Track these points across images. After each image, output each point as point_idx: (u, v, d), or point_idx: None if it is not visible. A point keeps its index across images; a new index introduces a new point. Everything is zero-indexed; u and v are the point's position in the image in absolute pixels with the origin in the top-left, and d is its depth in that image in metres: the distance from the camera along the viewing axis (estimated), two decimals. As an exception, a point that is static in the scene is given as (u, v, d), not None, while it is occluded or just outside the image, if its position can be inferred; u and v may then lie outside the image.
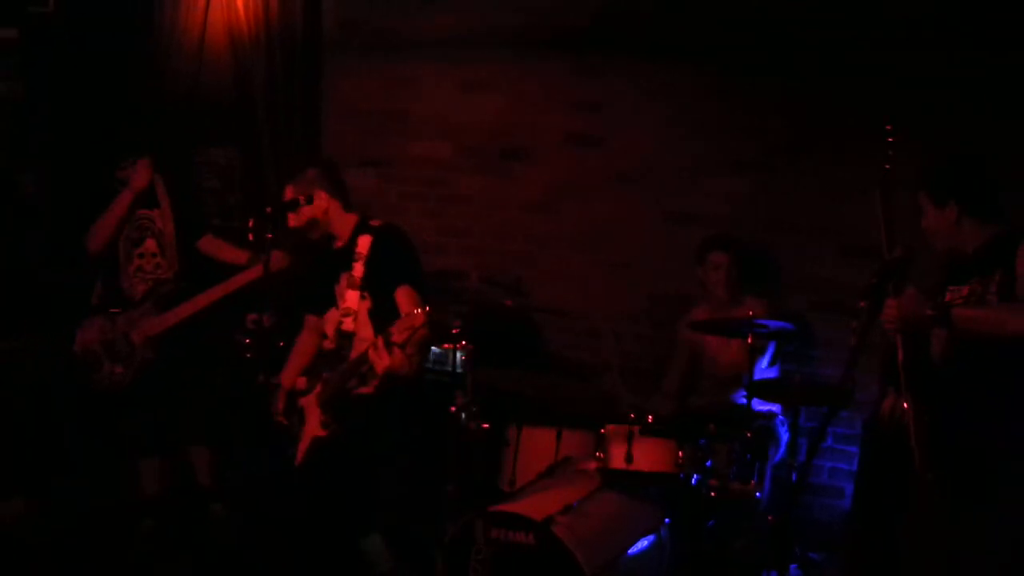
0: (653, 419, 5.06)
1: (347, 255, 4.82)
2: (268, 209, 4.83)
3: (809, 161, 6.11)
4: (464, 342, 5.37)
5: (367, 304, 4.80)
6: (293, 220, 4.83)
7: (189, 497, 5.84)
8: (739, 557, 5.10)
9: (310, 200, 4.80)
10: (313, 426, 4.86)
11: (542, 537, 4.45)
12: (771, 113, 6.22)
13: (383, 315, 4.74)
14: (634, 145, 6.61)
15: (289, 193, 4.89)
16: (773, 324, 5.25)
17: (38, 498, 5.99)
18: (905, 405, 4.11)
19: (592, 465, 5.15)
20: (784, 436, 5.62)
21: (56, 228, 6.65)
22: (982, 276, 4.08)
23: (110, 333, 5.64)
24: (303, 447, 4.90)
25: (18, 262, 6.49)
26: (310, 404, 4.89)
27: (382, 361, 4.47)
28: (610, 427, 5.08)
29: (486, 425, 5.18)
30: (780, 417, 5.71)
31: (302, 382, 4.98)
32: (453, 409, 5.25)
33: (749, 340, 5.15)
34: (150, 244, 5.72)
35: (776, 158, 6.22)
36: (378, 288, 4.79)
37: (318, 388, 4.85)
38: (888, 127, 4.35)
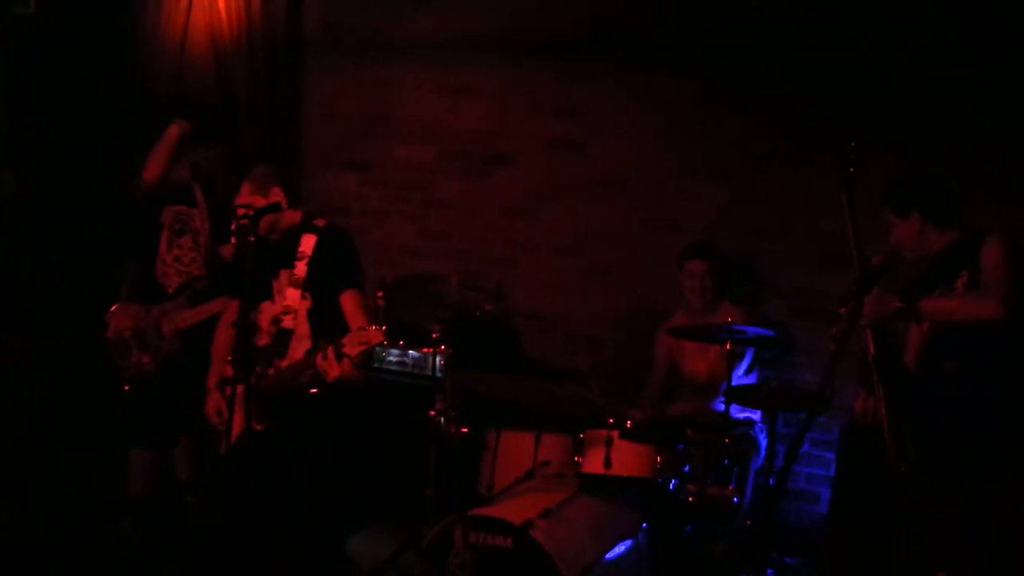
0: (632, 424, 5.07)
1: (288, 252, 4.77)
2: (251, 211, 4.81)
3: (791, 169, 6.12)
4: (444, 346, 5.37)
5: (307, 304, 4.77)
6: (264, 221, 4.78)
7: (170, 494, 5.82)
8: (717, 562, 5.12)
9: (278, 207, 4.78)
10: (244, 418, 4.76)
11: (521, 541, 4.47)
12: (754, 120, 6.24)
13: (322, 316, 4.74)
14: (617, 151, 6.62)
15: (246, 192, 4.84)
16: (752, 330, 5.27)
17: (17, 498, 5.98)
18: (877, 397, 4.20)
19: (571, 470, 5.17)
20: (763, 442, 5.63)
21: (41, 229, 6.63)
22: (948, 280, 4.23)
23: (143, 322, 5.66)
24: (232, 436, 4.74)
25: (2, 262, 6.47)
26: (239, 397, 4.74)
27: (333, 371, 4.44)
28: (589, 432, 5.11)
29: (465, 429, 5.19)
30: (759, 424, 5.72)
31: (231, 370, 4.87)
32: (432, 413, 5.26)
33: (728, 346, 5.16)
34: (187, 239, 5.76)
35: (758, 165, 6.23)
36: (321, 290, 4.76)
37: (253, 381, 4.73)
38: (852, 144, 4.57)
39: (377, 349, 4.69)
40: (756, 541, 5.04)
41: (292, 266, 4.75)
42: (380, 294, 5.75)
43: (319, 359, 4.46)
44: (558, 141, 6.79)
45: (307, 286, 4.75)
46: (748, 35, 6.14)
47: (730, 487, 5.10)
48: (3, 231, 6.53)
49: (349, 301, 4.77)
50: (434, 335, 5.52)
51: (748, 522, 5.11)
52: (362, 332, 4.39)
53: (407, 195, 7.22)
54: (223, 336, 5.03)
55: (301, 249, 4.75)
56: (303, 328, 4.78)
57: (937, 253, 4.33)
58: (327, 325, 4.63)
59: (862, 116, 5.84)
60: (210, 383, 4.93)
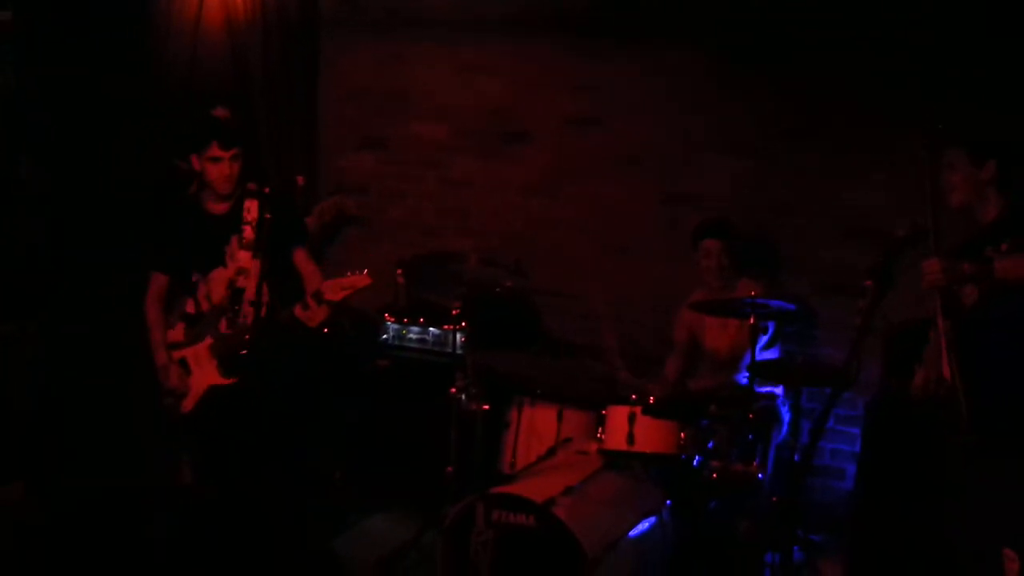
0: (655, 400, 5.03)
1: (235, 219, 4.92)
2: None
3: (811, 143, 6.08)
4: (464, 323, 5.35)
5: (259, 263, 4.87)
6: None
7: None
8: (742, 539, 5.08)
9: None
10: (209, 375, 4.91)
11: (543, 519, 4.43)
12: (773, 95, 6.18)
13: (275, 274, 4.89)
14: (634, 127, 6.58)
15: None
16: (775, 303, 5.21)
17: (39, 483, 5.97)
18: (947, 372, 4.05)
19: (593, 446, 5.14)
20: (786, 416, 5.59)
21: (55, 213, 6.61)
22: (995, 245, 4.06)
23: None
24: (195, 395, 4.92)
25: (18, 247, 6.46)
26: (198, 355, 4.94)
27: (317, 317, 4.64)
28: (612, 408, 5.06)
29: (486, 406, 5.16)
30: (781, 398, 5.68)
31: (179, 334, 5.00)
32: (453, 390, 5.24)
33: (751, 320, 5.11)
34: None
35: (778, 140, 6.18)
36: (271, 250, 4.87)
37: (210, 340, 4.91)
38: (940, 127, 4.33)
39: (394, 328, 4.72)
40: (781, 518, 4.99)
41: (240, 231, 4.89)
42: (400, 272, 5.73)
43: (298, 310, 4.65)
44: (575, 117, 6.75)
45: (257, 247, 4.85)
46: (767, 7, 6.07)
47: (754, 463, 5.05)
48: (17, 217, 6.50)
49: (301, 256, 5.00)
50: (454, 312, 5.50)
51: (774, 499, 5.07)
52: (345, 278, 4.56)
53: (425, 173, 7.20)
54: (154, 311, 5.05)
55: (246, 216, 4.89)
56: (253, 287, 4.89)
57: (989, 222, 4.16)
58: (280, 281, 4.88)
59: (884, 89, 5.80)
60: (159, 361, 4.97)
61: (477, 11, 6.92)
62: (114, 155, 6.65)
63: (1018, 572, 3.89)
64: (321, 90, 7.45)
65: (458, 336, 5.56)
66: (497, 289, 5.93)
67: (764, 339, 5.78)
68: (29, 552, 5.34)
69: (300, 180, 4.88)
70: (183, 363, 4.95)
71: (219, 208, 4.92)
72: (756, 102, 6.23)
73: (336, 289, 4.55)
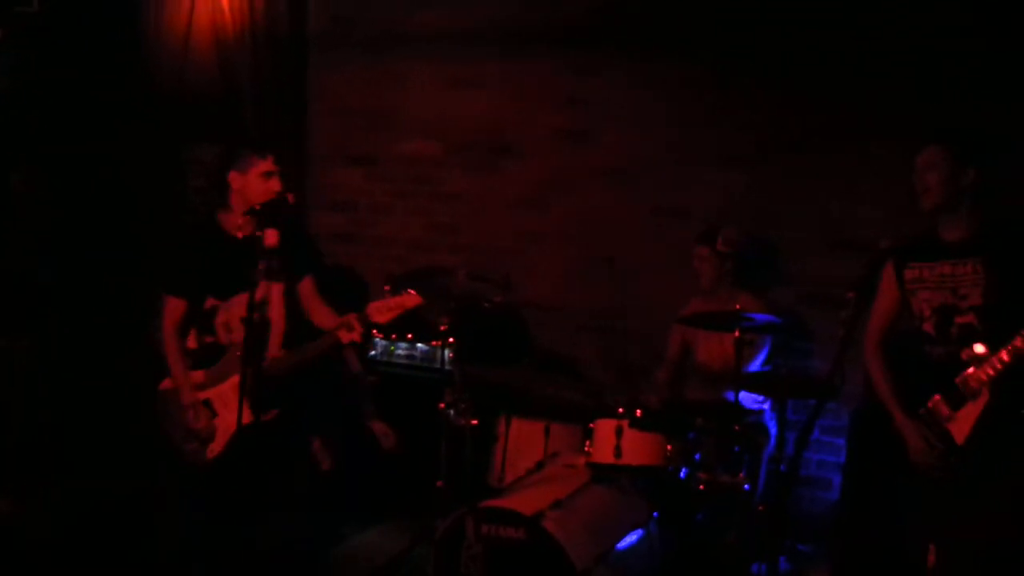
0: (642, 413, 5.06)
1: (254, 243, 4.57)
2: (256, 206, 4.75)
3: (799, 156, 6.12)
4: (452, 339, 5.37)
5: (279, 291, 4.75)
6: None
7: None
8: (729, 550, 5.11)
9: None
10: (238, 415, 4.50)
11: (532, 532, 4.47)
12: (762, 108, 6.22)
13: (293, 302, 4.79)
14: (624, 140, 6.61)
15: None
16: (760, 317, 5.25)
17: (27, 497, 5.99)
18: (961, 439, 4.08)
19: (581, 460, 5.17)
20: (773, 429, 5.62)
21: (45, 227, 6.64)
22: (957, 259, 4.11)
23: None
24: (223, 439, 4.65)
25: (9, 261, 6.49)
26: (224, 395, 4.69)
27: (353, 337, 4.55)
28: (599, 421, 5.10)
29: (475, 421, 5.18)
30: (768, 412, 5.71)
31: (200, 376, 4.74)
32: (442, 406, 5.26)
33: (737, 334, 5.14)
34: None
35: (767, 153, 6.22)
36: (289, 278, 4.78)
37: (236, 378, 4.53)
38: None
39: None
40: (768, 528, 5.03)
41: (263, 258, 4.61)
42: (387, 288, 5.73)
43: (342, 332, 4.54)
44: (565, 131, 6.79)
45: (278, 276, 4.72)
46: (755, 23, 6.13)
47: (741, 475, 5.09)
48: (8, 231, 6.54)
49: (307, 286, 4.85)
50: (442, 328, 5.51)
51: (760, 508, 5.10)
52: (392, 298, 4.53)
53: (414, 189, 7.22)
54: (173, 342, 4.75)
55: (267, 241, 4.60)
56: (278, 314, 4.77)
57: (957, 241, 4.13)
58: (296, 310, 4.77)
59: (868, 103, 5.87)
60: (185, 400, 4.69)
61: (467, 27, 6.96)
62: (104, 165, 6.70)
63: (933, 563, 4.01)
64: (311, 106, 7.47)
65: (446, 351, 5.58)
66: (485, 304, 5.93)
67: (761, 356, 5.82)
68: (23, 565, 5.37)
69: (291, 198, 4.79)
70: (207, 404, 4.70)
71: (241, 231, 4.65)
72: (746, 115, 6.27)
73: (383, 311, 4.49)
